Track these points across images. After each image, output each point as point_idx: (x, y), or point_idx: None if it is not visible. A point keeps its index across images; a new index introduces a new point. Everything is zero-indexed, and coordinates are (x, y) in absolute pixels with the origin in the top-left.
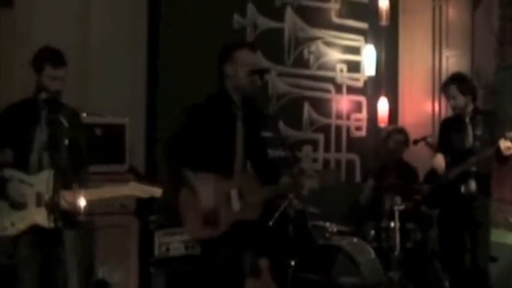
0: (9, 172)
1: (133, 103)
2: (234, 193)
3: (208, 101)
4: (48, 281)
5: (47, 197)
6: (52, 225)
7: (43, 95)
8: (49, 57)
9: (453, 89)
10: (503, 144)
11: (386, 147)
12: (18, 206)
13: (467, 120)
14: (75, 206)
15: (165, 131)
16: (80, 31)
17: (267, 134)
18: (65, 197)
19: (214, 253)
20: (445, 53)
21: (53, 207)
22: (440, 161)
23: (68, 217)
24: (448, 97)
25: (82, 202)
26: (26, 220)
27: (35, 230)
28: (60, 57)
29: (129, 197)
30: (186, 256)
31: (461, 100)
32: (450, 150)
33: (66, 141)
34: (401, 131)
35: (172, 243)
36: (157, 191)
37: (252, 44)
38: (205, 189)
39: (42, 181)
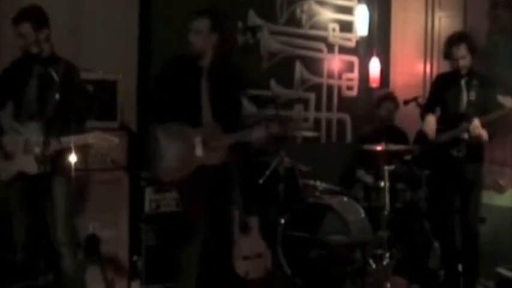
0: (5, 121)
1: (125, 60)
2: (197, 140)
3: (177, 58)
4: (38, 227)
5: (33, 144)
6: (38, 171)
7: (33, 50)
8: (21, 15)
9: (462, 48)
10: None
11: (377, 114)
12: (8, 154)
13: (462, 83)
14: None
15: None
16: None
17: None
18: (48, 146)
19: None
20: (438, 13)
21: (38, 155)
22: (431, 124)
23: (55, 164)
24: (454, 57)
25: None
26: (14, 166)
27: (23, 176)
28: (23, 14)
29: (94, 146)
30: (177, 213)
31: (469, 60)
32: (442, 110)
33: (57, 95)
34: (391, 98)
35: (163, 200)
36: (113, 139)
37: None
38: (166, 138)
39: (30, 130)
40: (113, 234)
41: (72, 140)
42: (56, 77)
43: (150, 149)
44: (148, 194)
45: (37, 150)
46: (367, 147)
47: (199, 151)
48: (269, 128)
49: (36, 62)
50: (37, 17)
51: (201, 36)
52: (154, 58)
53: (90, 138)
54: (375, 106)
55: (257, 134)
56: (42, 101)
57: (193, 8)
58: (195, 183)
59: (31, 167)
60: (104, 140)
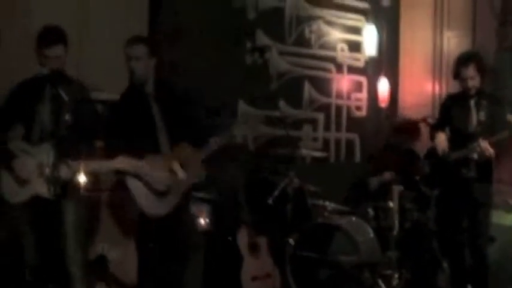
0: (16, 144)
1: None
2: (175, 165)
3: (122, 96)
4: (48, 250)
5: (47, 168)
6: (52, 195)
7: (44, 71)
8: (43, 36)
9: (471, 69)
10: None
11: (392, 140)
12: (22, 178)
13: (471, 103)
14: (69, 177)
15: None
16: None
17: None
18: (61, 169)
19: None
20: (446, 33)
21: (52, 178)
22: (442, 141)
23: (67, 189)
24: (463, 77)
25: (78, 175)
26: (28, 190)
27: (36, 200)
28: (54, 36)
29: (117, 171)
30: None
31: (478, 80)
32: (451, 130)
33: (67, 116)
34: (407, 130)
35: None
36: (142, 166)
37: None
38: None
39: (43, 152)
40: (121, 254)
41: (96, 165)
42: (65, 97)
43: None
44: None
45: (55, 173)
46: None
47: (181, 174)
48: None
49: (48, 82)
50: (66, 38)
51: (142, 62)
52: None
53: (117, 164)
54: (390, 133)
55: (224, 140)
56: (55, 122)
57: (201, 31)
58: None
59: (46, 191)
60: (131, 165)
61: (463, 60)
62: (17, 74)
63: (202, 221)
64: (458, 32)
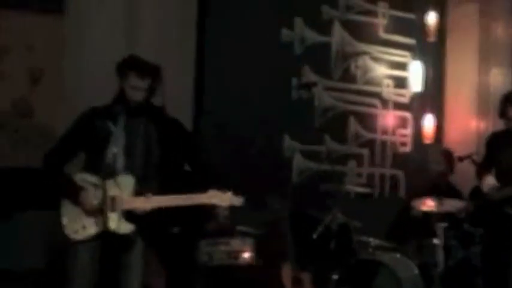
0: (82, 176)
1: (179, 112)
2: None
3: None
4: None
5: (121, 202)
6: (125, 231)
7: (118, 108)
8: (135, 65)
9: None
10: None
11: (432, 169)
12: (93, 211)
13: None
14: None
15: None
16: (128, 40)
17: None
18: (139, 203)
19: None
20: (493, 70)
21: (127, 213)
22: (489, 180)
23: (140, 224)
24: (509, 116)
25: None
26: (98, 225)
27: (104, 235)
28: (145, 67)
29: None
30: (229, 266)
31: None
32: (496, 167)
33: (140, 149)
34: (447, 153)
35: (216, 253)
36: (237, 200)
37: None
38: None
39: (118, 186)
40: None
41: (182, 199)
42: (142, 131)
43: None
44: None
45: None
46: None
47: None
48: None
49: (123, 112)
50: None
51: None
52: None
53: (206, 198)
54: (431, 164)
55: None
56: (129, 155)
57: (248, 66)
58: None
59: (117, 226)
60: (225, 199)
61: (509, 100)
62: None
63: (246, 255)
64: (503, 69)
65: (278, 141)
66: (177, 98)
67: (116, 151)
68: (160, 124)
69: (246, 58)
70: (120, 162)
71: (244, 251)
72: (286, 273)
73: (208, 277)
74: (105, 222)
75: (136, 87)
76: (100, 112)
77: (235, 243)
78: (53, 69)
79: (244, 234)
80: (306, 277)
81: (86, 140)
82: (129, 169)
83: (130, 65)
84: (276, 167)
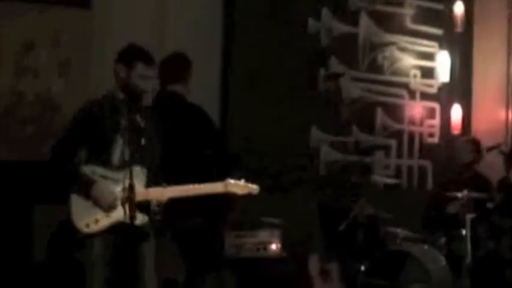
0: (91, 169)
1: (206, 102)
2: None
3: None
4: (124, 281)
5: (134, 194)
6: (138, 223)
7: (120, 96)
8: (141, 54)
9: None
10: None
11: (460, 159)
12: (106, 204)
13: None
14: (162, 203)
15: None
16: (155, 34)
17: None
18: (154, 194)
19: None
20: None
21: (140, 205)
22: None
23: (153, 215)
24: None
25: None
26: (111, 217)
27: (116, 227)
28: (151, 56)
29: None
30: (257, 258)
31: None
32: None
33: (143, 141)
34: (474, 143)
35: (244, 245)
36: (254, 188)
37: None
38: None
39: (129, 178)
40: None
41: (200, 188)
42: (143, 124)
43: None
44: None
45: (153, 202)
46: (449, 194)
47: None
48: None
49: (125, 105)
50: None
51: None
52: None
53: (223, 187)
54: (457, 151)
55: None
56: (135, 147)
57: (276, 56)
58: None
59: (136, 217)
60: (242, 188)
61: None
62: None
63: (273, 247)
64: None
65: (306, 133)
66: (204, 90)
67: (122, 142)
68: (177, 113)
69: (273, 49)
70: (128, 154)
71: (271, 243)
72: (314, 264)
73: (236, 269)
74: (118, 214)
75: (146, 76)
76: (104, 103)
77: (263, 235)
78: (80, 62)
79: (272, 226)
80: (334, 268)
81: (93, 132)
82: (138, 160)
83: (136, 55)
84: (304, 158)
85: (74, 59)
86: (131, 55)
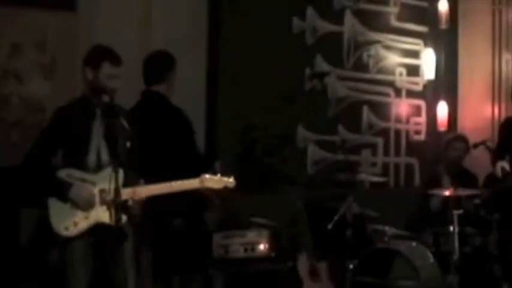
0: (67, 172)
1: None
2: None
3: None
4: (105, 282)
5: (111, 194)
6: (116, 223)
7: (105, 98)
8: (107, 55)
9: None
10: None
11: (446, 155)
12: (85, 206)
13: None
14: (140, 202)
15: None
16: (141, 35)
17: None
18: (131, 194)
19: None
20: (505, 56)
21: (117, 205)
22: (504, 166)
23: (131, 215)
24: None
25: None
26: (90, 219)
27: (96, 229)
28: (117, 55)
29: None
30: (245, 259)
31: None
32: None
33: (119, 142)
34: (461, 139)
35: (231, 245)
36: (229, 181)
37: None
38: None
39: (105, 179)
40: None
41: (175, 186)
42: (126, 124)
43: None
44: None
45: (129, 201)
46: (435, 191)
47: None
48: None
49: (100, 106)
50: None
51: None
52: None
53: (198, 182)
54: (443, 148)
55: None
56: (112, 147)
57: (260, 56)
58: None
59: (109, 219)
60: (217, 182)
61: None
62: None
63: (262, 247)
64: None
65: (292, 132)
66: (190, 90)
67: (98, 144)
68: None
69: (258, 49)
70: (105, 155)
71: (260, 243)
72: (303, 263)
73: (224, 269)
74: (97, 215)
75: (114, 75)
76: (76, 107)
77: (251, 235)
78: (66, 65)
79: (260, 226)
80: (323, 267)
81: (66, 136)
82: (115, 162)
83: (102, 56)
84: (291, 157)
85: (60, 62)
86: (96, 56)
